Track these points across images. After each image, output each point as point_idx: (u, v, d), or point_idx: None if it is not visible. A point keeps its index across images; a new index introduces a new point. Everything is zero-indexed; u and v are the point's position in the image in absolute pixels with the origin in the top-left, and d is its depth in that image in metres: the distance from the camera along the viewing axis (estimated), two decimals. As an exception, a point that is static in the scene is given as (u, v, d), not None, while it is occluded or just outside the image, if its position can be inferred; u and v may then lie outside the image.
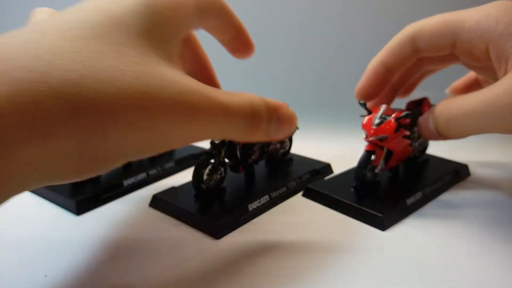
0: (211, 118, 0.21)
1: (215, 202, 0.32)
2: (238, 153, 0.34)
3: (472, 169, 0.41)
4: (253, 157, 0.36)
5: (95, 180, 0.36)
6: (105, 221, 0.31)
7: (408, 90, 0.40)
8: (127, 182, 0.37)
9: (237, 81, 0.69)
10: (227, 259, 0.25)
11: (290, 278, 0.23)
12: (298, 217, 0.31)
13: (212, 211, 0.31)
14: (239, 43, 0.30)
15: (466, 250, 0.26)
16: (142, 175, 0.38)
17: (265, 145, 0.37)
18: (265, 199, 0.33)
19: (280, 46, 0.70)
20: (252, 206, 0.31)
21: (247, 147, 0.35)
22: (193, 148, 0.46)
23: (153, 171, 0.39)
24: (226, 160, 0.34)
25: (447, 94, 0.42)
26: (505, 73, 0.27)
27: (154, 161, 0.41)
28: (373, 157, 0.33)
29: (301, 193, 0.36)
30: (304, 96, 0.65)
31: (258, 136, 0.24)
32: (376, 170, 0.33)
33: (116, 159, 0.19)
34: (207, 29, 0.28)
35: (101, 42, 0.19)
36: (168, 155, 0.44)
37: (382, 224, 0.29)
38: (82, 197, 0.33)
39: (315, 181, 0.37)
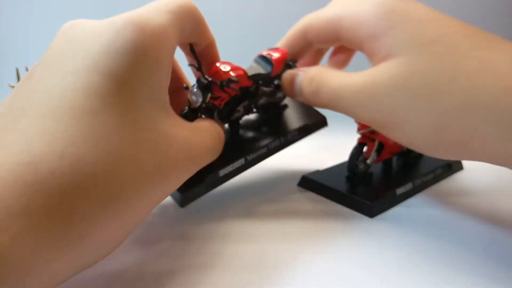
0: (201, 161, 0.25)
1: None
2: (216, 117, 0.29)
3: (465, 163, 0.42)
4: (236, 115, 0.32)
5: None
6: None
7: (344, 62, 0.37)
8: None
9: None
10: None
11: (272, 259, 0.25)
12: (291, 204, 0.33)
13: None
14: (209, 55, 0.29)
15: (448, 238, 0.28)
16: None
17: (251, 101, 0.32)
18: (240, 162, 0.30)
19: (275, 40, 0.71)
20: (223, 171, 0.29)
21: (228, 108, 0.31)
22: None
23: None
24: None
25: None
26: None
27: None
28: (365, 148, 0.35)
29: (296, 182, 0.37)
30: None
31: None
32: (368, 161, 0.35)
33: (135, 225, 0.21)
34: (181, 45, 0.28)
35: (113, 113, 0.18)
36: None
37: (371, 211, 0.31)
38: None
39: (310, 172, 0.38)
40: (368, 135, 0.34)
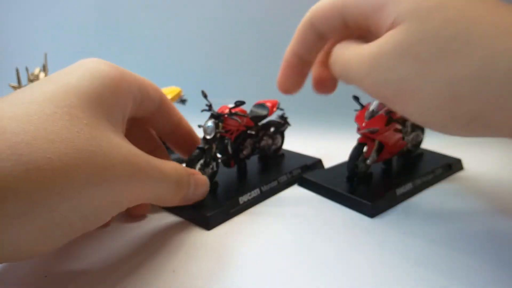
0: (151, 179, 0.24)
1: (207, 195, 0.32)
2: (229, 148, 0.35)
3: (465, 163, 0.42)
4: (244, 152, 0.37)
5: None
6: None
7: None
8: None
9: (231, 79, 0.71)
10: (217, 248, 0.27)
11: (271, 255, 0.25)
12: (292, 205, 0.33)
13: (203, 203, 0.31)
14: (183, 133, 0.32)
15: (448, 238, 0.28)
16: None
17: (256, 141, 0.38)
18: (256, 192, 0.34)
19: (273, 44, 0.71)
20: (243, 199, 0.32)
21: (238, 142, 0.36)
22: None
23: None
24: (218, 155, 0.34)
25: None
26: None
27: None
28: (365, 149, 0.35)
29: (296, 182, 0.37)
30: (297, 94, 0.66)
31: (181, 199, 0.28)
32: (368, 162, 0.35)
33: (74, 225, 0.20)
34: (152, 121, 0.31)
35: (53, 105, 0.20)
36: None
37: (371, 211, 0.31)
38: None
39: (311, 172, 0.38)
40: (368, 135, 0.34)
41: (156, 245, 0.27)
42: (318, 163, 0.41)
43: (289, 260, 0.25)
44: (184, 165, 0.31)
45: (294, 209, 0.32)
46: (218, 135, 0.33)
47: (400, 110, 0.24)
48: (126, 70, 0.26)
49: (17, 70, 0.38)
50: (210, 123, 0.32)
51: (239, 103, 0.33)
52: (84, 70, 0.23)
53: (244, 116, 0.34)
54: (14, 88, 0.38)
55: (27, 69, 0.38)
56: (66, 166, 0.19)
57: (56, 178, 0.18)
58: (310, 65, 0.32)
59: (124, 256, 0.25)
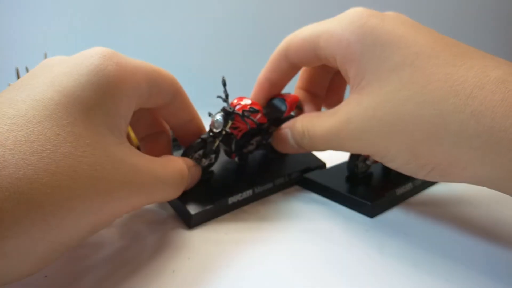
0: (152, 191, 0.24)
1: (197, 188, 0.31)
2: (233, 145, 0.33)
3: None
4: (249, 148, 0.35)
5: None
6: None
7: (333, 100, 0.37)
8: None
9: (234, 75, 0.71)
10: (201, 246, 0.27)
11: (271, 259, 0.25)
12: (291, 204, 0.33)
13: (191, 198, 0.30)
14: (192, 130, 0.32)
15: (448, 238, 0.28)
16: None
17: (264, 137, 0.36)
18: (248, 193, 0.32)
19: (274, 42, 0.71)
20: (232, 199, 0.31)
21: (244, 140, 0.34)
22: None
23: None
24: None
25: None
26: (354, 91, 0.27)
27: None
28: (365, 149, 0.35)
29: (294, 184, 0.37)
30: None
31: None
32: (368, 162, 0.35)
33: (70, 245, 0.20)
34: (162, 112, 0.30)
35: (55, 124, 0.19)
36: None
37: (371, 211, 0.31)
38: None
39: (311, 171, 0.38)
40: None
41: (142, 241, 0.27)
42: (321, 167, 0.39)
43: (287, 259, 0.25)
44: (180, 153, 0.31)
45: (294, 209, 0.32)
46: (224, 132, 0.31)
47: (378, 160, 0.27)
48: (135, 62, 0.24)
49: (17, 70, 0.38)
50: (219, 117, 0.30)
51: (268, 113, 0.33)
52: (88, 71, 0.21)
53: (255, 122, 0.31)
54: (14, 88, 0.38)
55: (27, 69, 0.38)
56: (67, 200, 0.18)
57: (57, 213, 0.18)
58: (281, 87, 0.35)
59: (124, 256, 0.25)
